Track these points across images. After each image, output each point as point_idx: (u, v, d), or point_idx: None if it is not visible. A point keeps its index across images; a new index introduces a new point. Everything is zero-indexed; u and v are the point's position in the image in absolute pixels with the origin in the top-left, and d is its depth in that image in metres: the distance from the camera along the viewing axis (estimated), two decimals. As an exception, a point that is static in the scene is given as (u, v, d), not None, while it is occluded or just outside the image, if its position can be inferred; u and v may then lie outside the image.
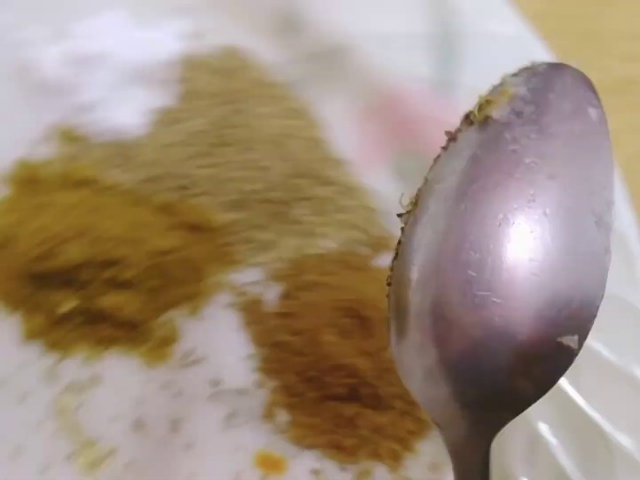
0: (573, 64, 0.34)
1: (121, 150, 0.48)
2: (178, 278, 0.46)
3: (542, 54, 0.49)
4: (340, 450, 0.45)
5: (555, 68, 0.32)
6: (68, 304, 0.44)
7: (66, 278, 0.44)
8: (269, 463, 0.44)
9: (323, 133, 0.52)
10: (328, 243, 0.49)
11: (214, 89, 0.51)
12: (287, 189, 0.49)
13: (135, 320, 0.44)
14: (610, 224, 0.30)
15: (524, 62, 0.48)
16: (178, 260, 0.46)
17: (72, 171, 0.48)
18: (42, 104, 0.50)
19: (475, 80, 0.48)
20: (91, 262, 0.43)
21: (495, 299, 0.28)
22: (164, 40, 0.52)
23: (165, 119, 0.50)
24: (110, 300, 0.44)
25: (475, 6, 0.51)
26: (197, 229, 0.47)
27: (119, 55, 0.51)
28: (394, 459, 0.45)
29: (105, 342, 0.45)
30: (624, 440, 0.42)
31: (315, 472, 0.45)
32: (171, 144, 0.49)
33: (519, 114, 0.30)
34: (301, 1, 0.53)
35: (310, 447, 0.45)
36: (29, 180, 0.47)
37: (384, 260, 0.49)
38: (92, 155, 0.48)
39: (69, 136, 0.49)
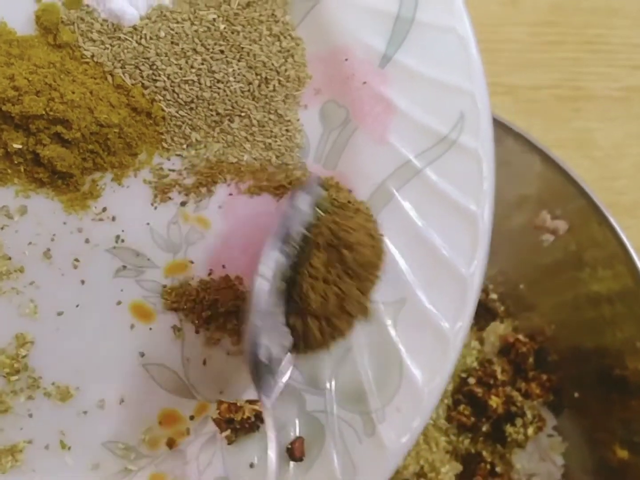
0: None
1: (113, 30, 0.54)
2: (113, 148, 0.55)
3: (474, 51, 0.56)
4: (198, 320, 0.56)
5: None
6: (17, 144, 0.52)
7: (22, 124, 0.52)
8: (141, 312, 0.55)
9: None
10: (245, 156, 0.58)
11: (211, 3, 0.56)
12: (232, 105, 0.57)
13: (68, 172, 0.53)
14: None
15: (456, 54, 0.56)
16: (118, 133, 0.54)
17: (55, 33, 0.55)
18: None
19: (410, 62, 0.57)
20: (45, 116, 0.51)
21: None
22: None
23: (160, 16, 0.55)
24: (53, 151, 0.52)
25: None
26: (142, 113, 0.56)
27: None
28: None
29: (38, 183, 0.54)
30: (415, 369, 0.53)
31: (176, 328, 0.56)
32: (157, 38, 0.55)
33: None
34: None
35: (177, 309, 0.56)
36: (9, 33, 0.54)
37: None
38: (83, 26, 0.54)
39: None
